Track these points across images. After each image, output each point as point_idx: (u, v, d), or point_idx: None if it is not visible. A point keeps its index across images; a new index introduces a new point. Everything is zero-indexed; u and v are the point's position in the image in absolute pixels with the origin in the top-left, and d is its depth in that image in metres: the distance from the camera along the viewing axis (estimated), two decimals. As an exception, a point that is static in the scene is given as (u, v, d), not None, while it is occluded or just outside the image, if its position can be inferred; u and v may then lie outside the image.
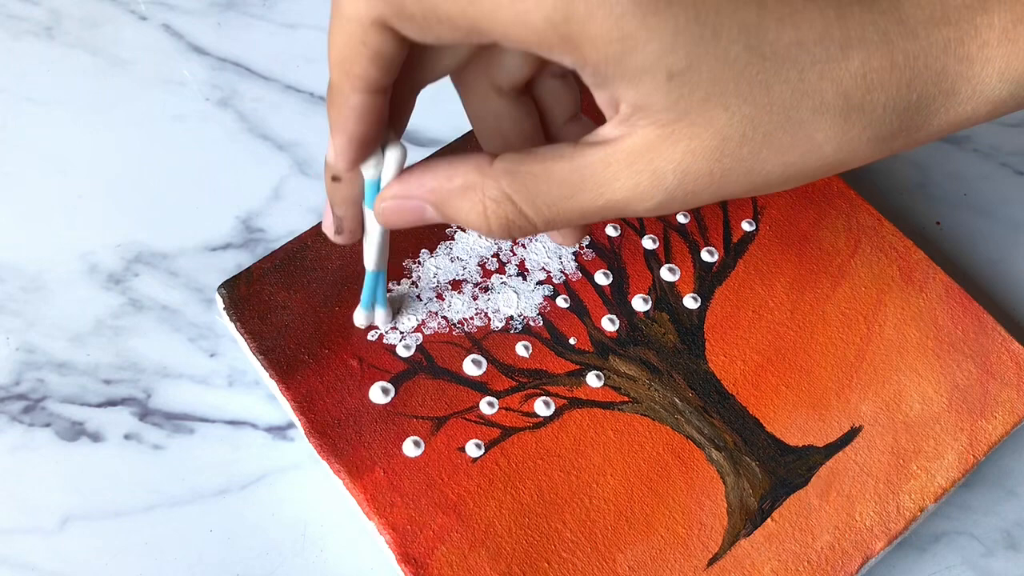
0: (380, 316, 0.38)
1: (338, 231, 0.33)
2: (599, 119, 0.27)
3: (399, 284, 0.39)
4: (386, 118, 0.28)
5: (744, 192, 0.26)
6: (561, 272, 0.40)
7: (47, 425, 0.39)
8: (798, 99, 0.24)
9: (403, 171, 0.29)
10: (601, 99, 0.25)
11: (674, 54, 0.23)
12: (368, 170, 0.30)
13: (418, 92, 0.30)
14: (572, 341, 0.38)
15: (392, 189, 0.29)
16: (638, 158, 0.25)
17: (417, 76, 0.29)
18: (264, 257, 0.40)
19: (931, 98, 0.25)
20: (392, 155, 0.29)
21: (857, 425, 0.37)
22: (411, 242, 0.40)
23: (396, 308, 0.39)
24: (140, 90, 0.48)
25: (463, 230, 0.40)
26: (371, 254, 0.34)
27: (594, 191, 0.26)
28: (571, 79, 0.31)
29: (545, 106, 0.31)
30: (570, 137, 0.31)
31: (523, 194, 0.26)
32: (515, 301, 0.39)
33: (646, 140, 0.25)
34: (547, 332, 0.39)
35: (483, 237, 0.40)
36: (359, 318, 0.38)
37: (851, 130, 0.25)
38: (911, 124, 0.25)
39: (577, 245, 0.40)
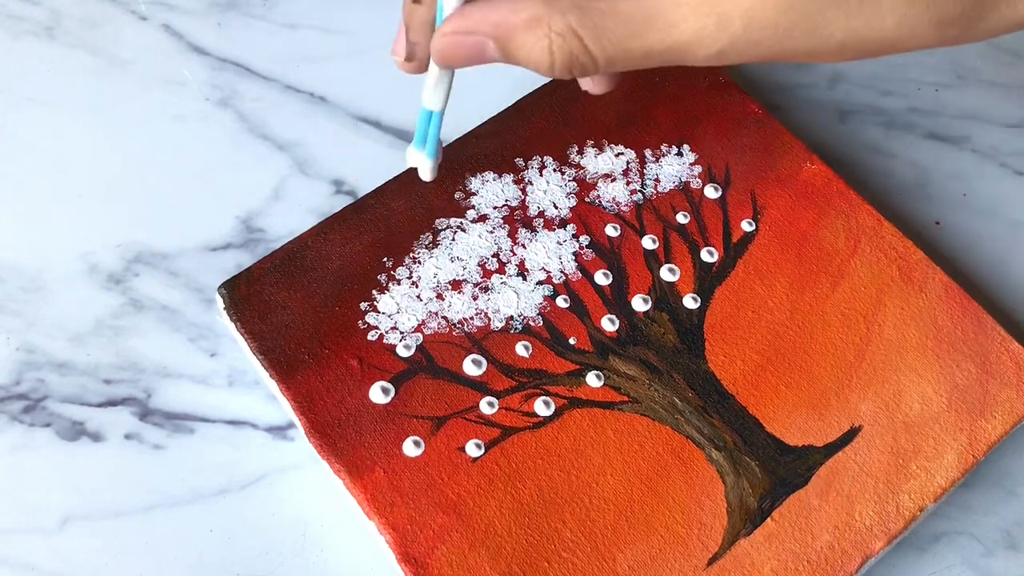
0: (425, 167, 0.35)
1: (409, 57, 0.32)
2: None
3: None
4: None
5: (803, 51, 0.26)
6: (561, 272, 0.40)
7: (47, 425, 0.39)
8: None
9: (463, 6, 0.28)
10: None
11: None
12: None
13: None
14: (572, 341, 0.38)
15: (451, 24, 0.28)
16: (707, 1, 0.25)
17: None
18: (264, 257, 0.40)
19: None
20: None
21: (857, 425, 0.37)
22: (411, 241, 0.40)
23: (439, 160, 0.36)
24: (140, 90, 0.48)
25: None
26: (435, 90, 0.32)
27: (660, 31, 0.26)
28: None
29: None
30: None
31: (589, 29, 0.27)
32: (515, 301, 0.39)
33: None
34: (547, 332, 0.39)
35: (501, 186, 0.39)
36: (410, 157, 0.35)
37: (916, 5, 0.25)
38: (973, 12, 0.26)
39: (606, 90, 0.38)
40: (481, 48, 0.28)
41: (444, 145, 0.43)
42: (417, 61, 0.32)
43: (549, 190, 0.42)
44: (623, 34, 0.26)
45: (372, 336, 0.38)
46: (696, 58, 0.26)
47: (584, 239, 0.41)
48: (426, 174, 0.35)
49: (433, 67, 0.32)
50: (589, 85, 0.33)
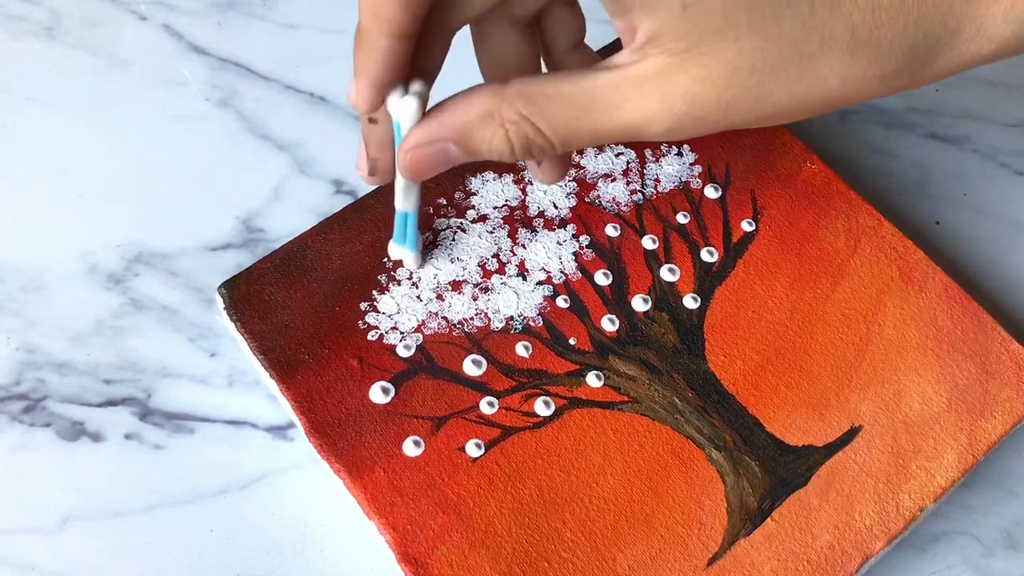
0: (409, 258, 0.39)
1: (371, 172, 0.34)
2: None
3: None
4: (409, 63, 0.29)
5: (750, 122, 0.27)
6: (561, 272, 0.40)
7: (47, 425, 0.39)
8: (807, 32, 0.25)
9: (418, 122, 0.30)
10: (619, 26, 0.26)
11: None
12: (394, 111, 0.30)
13: (451, 36, 0.31)
14: (572, 341, 0.38)
15: (412, 139, 0.30)
16: (647, 83, 0.26)
17: (450, 19, 0.30)
18: (264, 257, 0.40)
19: (936, 37, 0.25)
20: (409, 103, 0.30)
21: (857, 425, 0.37)
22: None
23: (424, 254, 0.40)
24: (140, 90, 0.48)
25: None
26: (401, 195, 0.35)
27: (604, 113, 0.27)
28: (578, 6, 0.32)
29: (551, 33, 0.32)
30: (571, 64, 0.32)
31: (538, 114, 0.27)
32: (515, 301, 0.39)
33: (656, 67, 0.26)
34: (547, 332, 0.39)
35: (501, 186, 0.41)
36: (393, 251, 0.39)
37: (857, 65, 0.25)
38: (916, 62, 0.26)
39: (561, 182, 0.40)
40: (444, 153, 0.29)
41: None
42: (380, 174, 0.34)
43: (549, 190, 0.42)
44: (570, 116, 0.27)
45: (372, 336, 0.38)
46: (648, 135, 0.27)
47: (584, 239, 0.41)
48: (411, 264, 0.40)
49: (399, 177, 0.34)
50: (539, 175, 0.34)
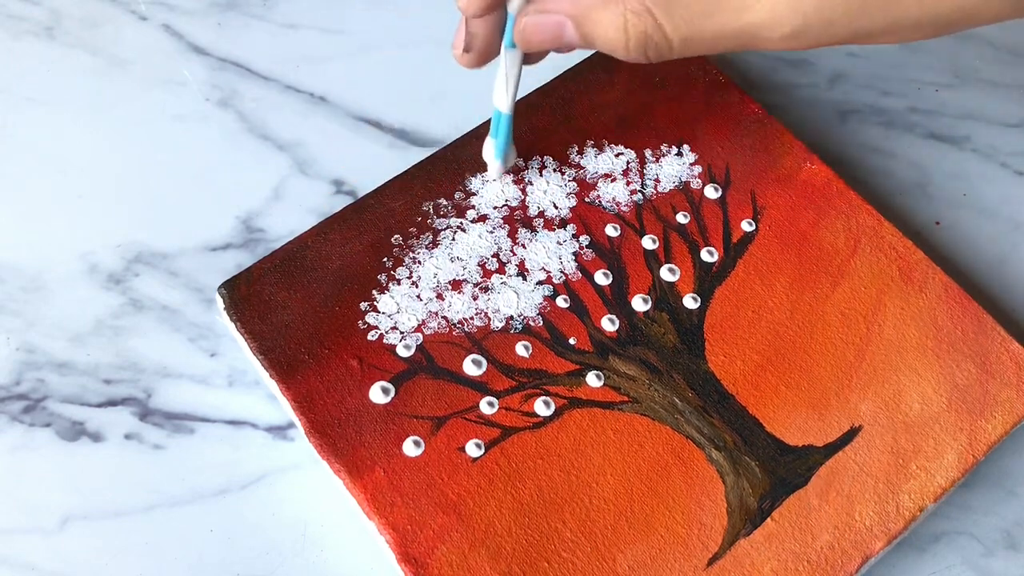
0: (492, 167, 0.39)
1: (467, 48, 0.33)
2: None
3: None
4: None
5: (878, 30, 0.26)
6: (561, 272, 0.40)
7: (47, 425, 0.39)
8: None
9: None
10: None
11: None
12: (512, 3, 0.30)
13: None
14: (572, 341, 0.38)
15: (533, 5, 0.30)
16: None
17: None
18: (264, 257, 0.40)
19: None
20: None
21: (857, 425, 0.37)
22: (411, 241, 0.40)
23: (509, 162, 0.39)
24: (140, 90, 0.48)
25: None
26: (500, 88, 0.34)
27: (732, 12, 0.26)
28: None
29: None
30: None
31: (664, 8, 0.27)
32: (515, 301, 0.39)
33: None
34: (547, 332, 0.39)
35: (501, 186, 0.41)
36: (486, 153, 0.38)
37: None
38: None
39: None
40: (560, 28, 0.29)
41: (443, 147, 0.43)
42: (475, 53, 0.33)
43: (549, 190, 0.42)
44: (696, 13, 0.27)
45: (372, 336, 0.38)
46: (769, 40, 0.26)
47: (584, 239, 0.41)
48: (493, 173, 0.39)
49: (500, 69, 0.34)
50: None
